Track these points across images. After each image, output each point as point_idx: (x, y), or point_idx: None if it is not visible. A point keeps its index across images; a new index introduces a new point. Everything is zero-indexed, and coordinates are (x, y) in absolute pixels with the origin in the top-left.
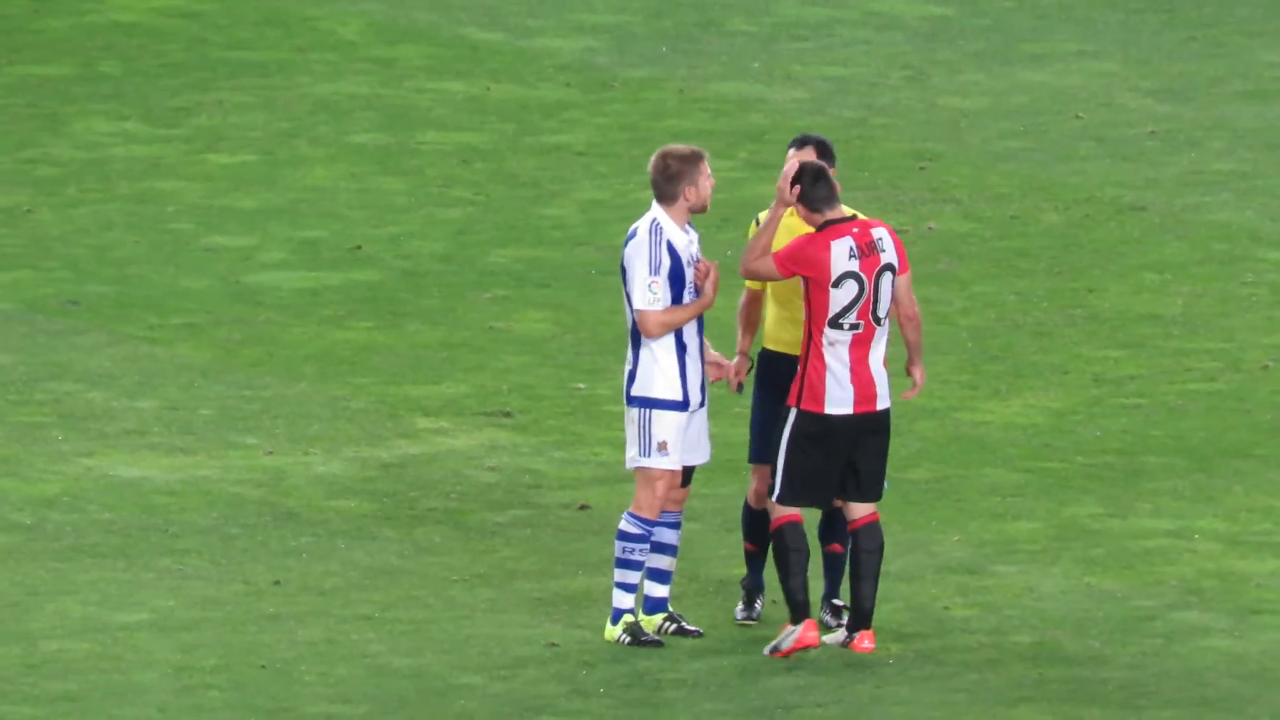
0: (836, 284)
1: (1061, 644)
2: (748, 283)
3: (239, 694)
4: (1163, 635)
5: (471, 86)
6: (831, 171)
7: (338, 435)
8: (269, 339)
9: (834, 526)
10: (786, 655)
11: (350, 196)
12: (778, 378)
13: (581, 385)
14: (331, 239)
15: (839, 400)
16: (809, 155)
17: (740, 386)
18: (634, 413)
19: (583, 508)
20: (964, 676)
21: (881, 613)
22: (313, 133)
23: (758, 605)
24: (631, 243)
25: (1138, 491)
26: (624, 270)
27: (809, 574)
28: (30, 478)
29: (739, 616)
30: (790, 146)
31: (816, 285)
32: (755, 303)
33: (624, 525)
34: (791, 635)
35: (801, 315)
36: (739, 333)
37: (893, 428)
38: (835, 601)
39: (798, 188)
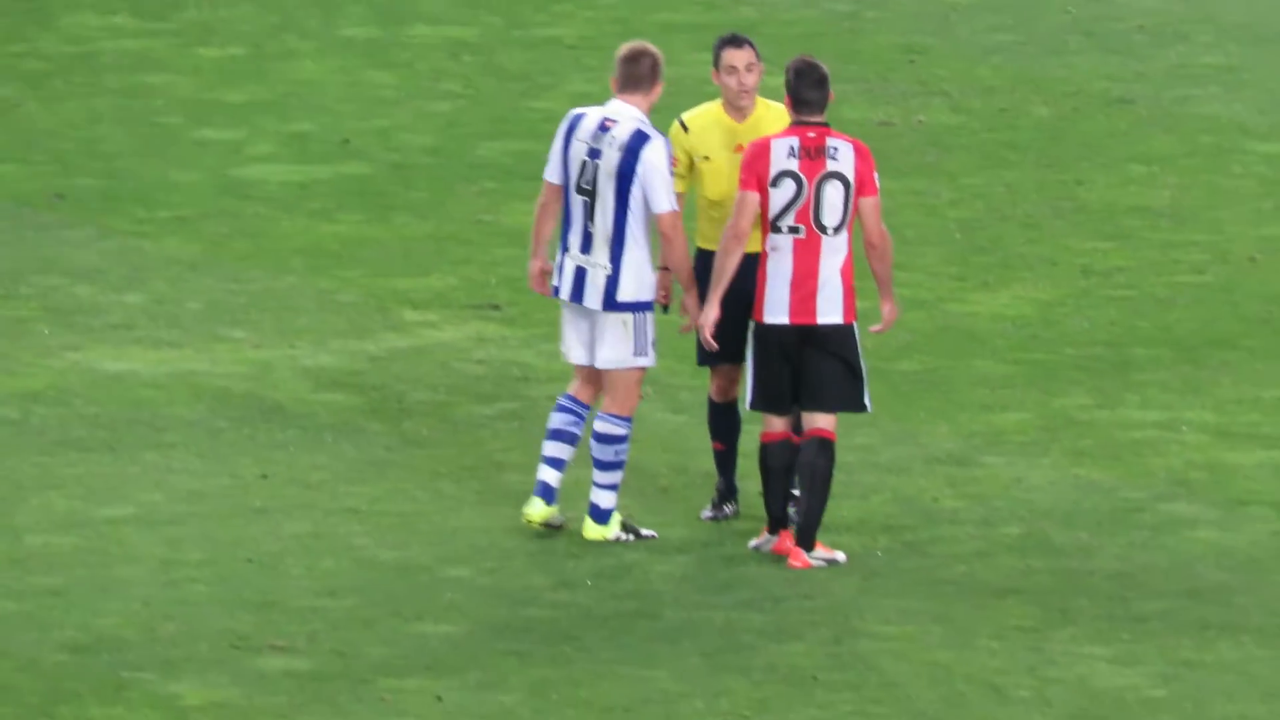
0: (774, 182)
1: (1049, 535)
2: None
3: (225, 588)
4: (1150, 527)
5: None
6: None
7: (325, 328)
8: (257, 232)
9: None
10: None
11: (339, 90)
12: (707, 278)
13: None
14: (320, 132)
15: (775, 308)
16: (748, 53)
17: (666, 307)
18: (626, 316)
19: None
20: (952, 568)
21: (870, 504)
22: (302, 26)
23: (726, 509)
24: (650, 148)
25: (1126, 383)
26: (629, 173)
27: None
28: (16, 372)
29: (704, 515)
30: (725, 46)
31: (761, 185)
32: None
33: (608, 428)
34: (769, 543)
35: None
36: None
37: (880, 320)
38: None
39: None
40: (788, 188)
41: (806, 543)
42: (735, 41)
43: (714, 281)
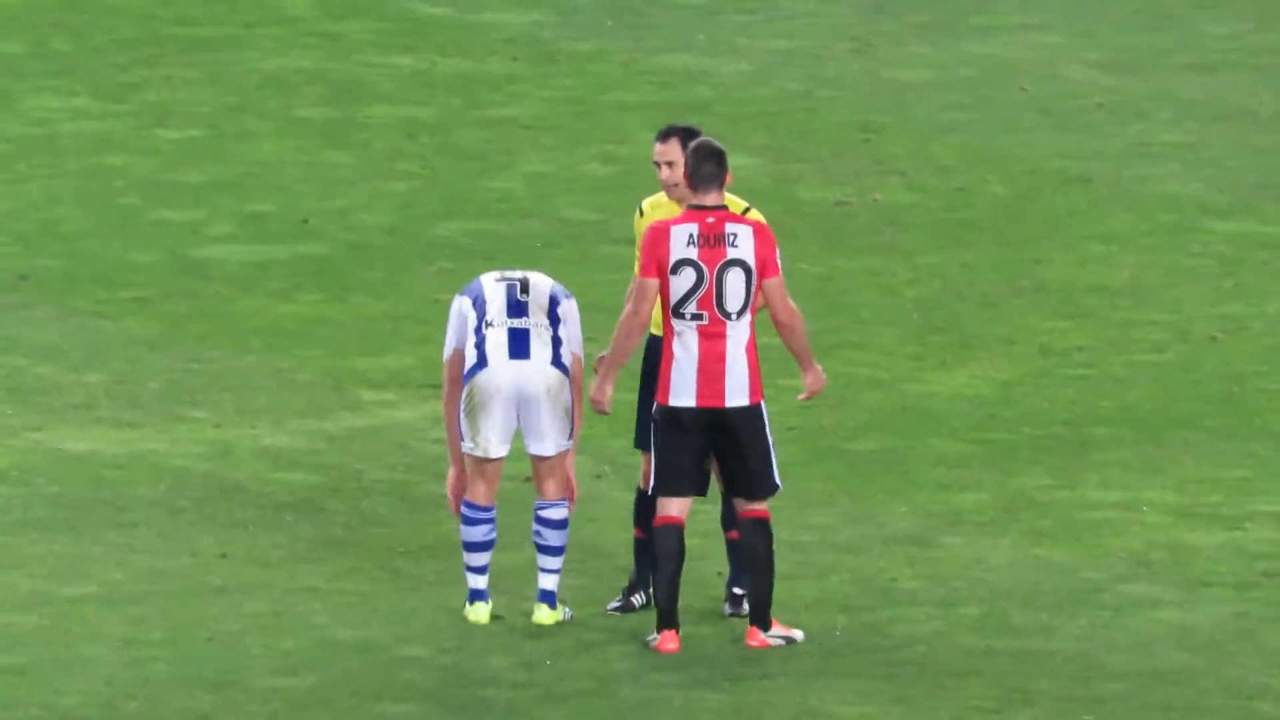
0: (674, 270)
1: (1010, 615)
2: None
3: (186, 666)
4: (1111, 607)
5: (418, 61)
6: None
7: (284, 408)
8: (216, 312)
9: (733, 513)
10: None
11: (297, 170)
12: (657, 363)
13: None
14: (279, 212)
15: (681, 392)
16: (674, 147)
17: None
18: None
19: (528, 480)
20: (912, 649)
21: (828, 584)
22: (260, 107)
23: (634, 600)
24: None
25: (1086, 462)
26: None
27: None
28: None
29: (610, 607)
30: (656, 139)
31: (661, 271)
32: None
33: (565, 514)
34: (653, 640)
35: None
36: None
37: (840, 399)
38: (735, 590)
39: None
40: (688, 276)
41: (762, 622)
42: (662, 136)
43: (610, 362)
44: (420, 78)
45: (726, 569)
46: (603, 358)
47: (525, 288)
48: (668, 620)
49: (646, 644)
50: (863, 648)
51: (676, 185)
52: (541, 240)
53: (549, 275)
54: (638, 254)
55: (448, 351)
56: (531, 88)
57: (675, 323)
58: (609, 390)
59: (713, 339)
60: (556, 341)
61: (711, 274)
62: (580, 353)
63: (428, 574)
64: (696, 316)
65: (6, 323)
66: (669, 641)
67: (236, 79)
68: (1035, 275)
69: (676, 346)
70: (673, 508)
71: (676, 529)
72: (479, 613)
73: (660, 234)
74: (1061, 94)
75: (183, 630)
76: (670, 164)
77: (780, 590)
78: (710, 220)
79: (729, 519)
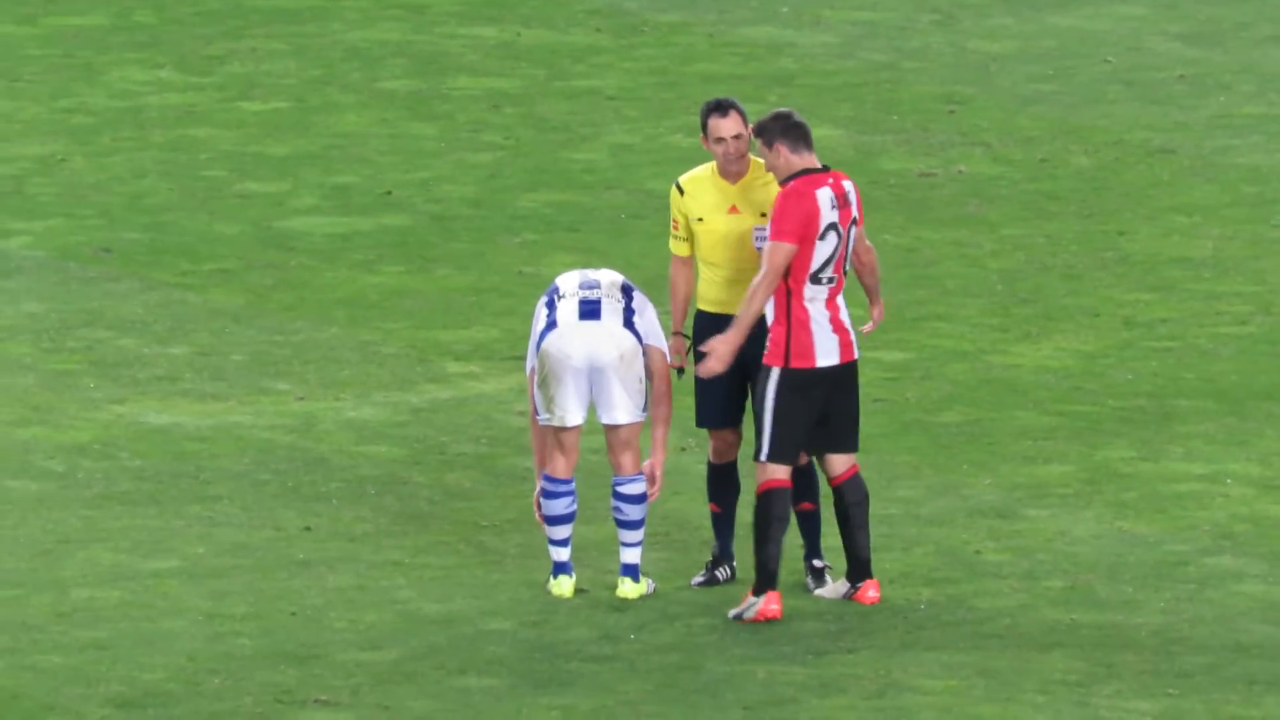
0: (822, 236)
1: (1094, 589)
2: (675, 249)
3: (269, 641)
4: (1196, 580)
5: (502, 32)
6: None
7: (368, 380)
8: (300, 284)
9: (803, 486)
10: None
11: (381, 142)
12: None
13: None
14: (362, 184)
15: (828, 351)
16: (736, 120)
17: (681, 370)
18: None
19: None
20: (996, 621)
21: (912, 557)
22: (344, 79)
23: (719, 574)
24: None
25: (1169, 435)
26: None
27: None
28: (62, 425)
29: (695, 581)
30: (711, 114)
31: (806, 238)
32: (686, 268)
33: (642, 488)
34: (753, 606)
35: (735, 272)
36: (673, 309)
37: (925, 371)
38: (815, 563)
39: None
40: (831, 240)
41: (870, 572)
42: (720, 109)
43: (738, 325)
44: (504, 49)
45: (805, 542)
46: (678, 333)
47: (599, 275)
48: (773, 582)
49: (740, 614)
50: (947, 621)
51: (743, 157)
52: (625, 212)
53: (633, 246)
54: (675, 231)
55: (530, 363)
56: (615, 59)
57: (809, 288)
58: (732, 346)
59: (836, 298)
60: (630, 311)
61: (845, 235)
62: (663, 345)
63: (511, 548)
64: (831, 280)
65: (90, 295)
66: (772, 602)
67: (321, 51)
68: (1119, 247)
69: (812, 309)
70: (780, 471)
71: (788, 492)
72: (562, 586)
73: (809, 200)
74: (1144, 66)
75: (266, 604)
76: (737, 137)
77: None
78: (831, 180)
79: (799, 492)
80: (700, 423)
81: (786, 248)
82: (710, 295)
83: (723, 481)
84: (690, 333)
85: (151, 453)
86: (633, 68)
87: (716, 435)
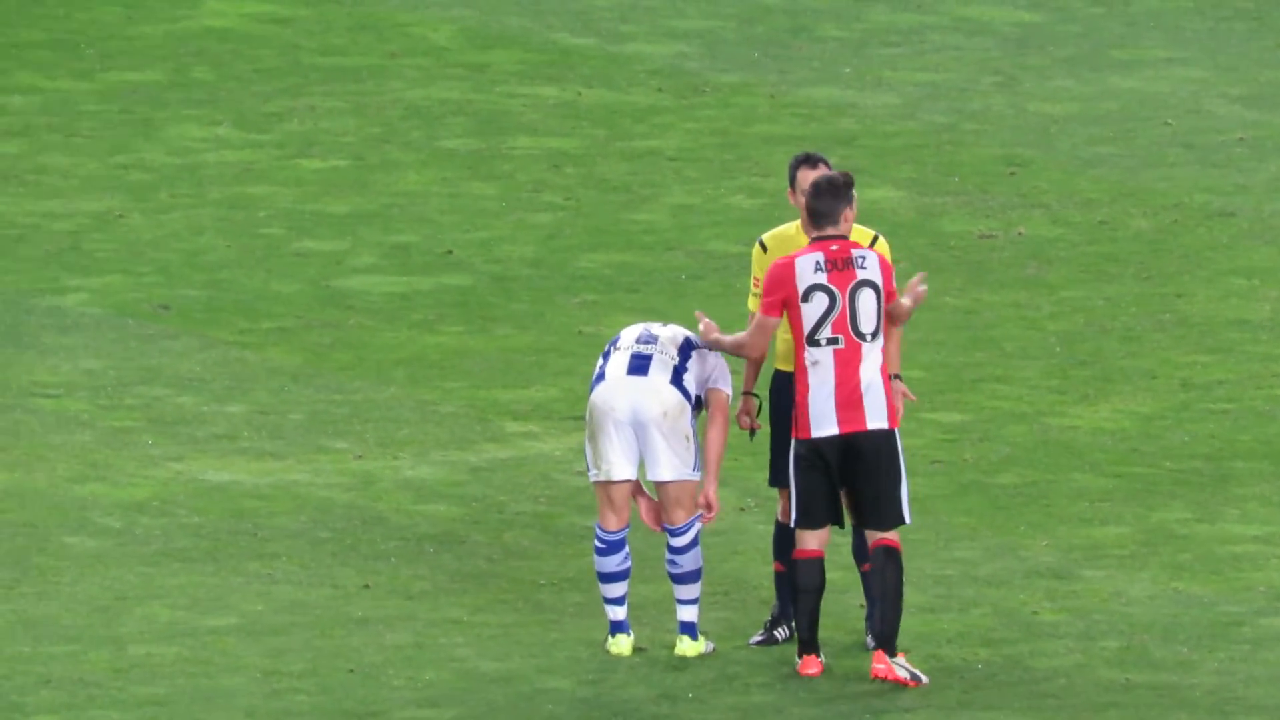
0: (805, 298)
1: (1149, 649)
2: (753, 307)
3: (327, 698)
4: (1251, 641)
5: (563, 91)
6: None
7: (427, 439)
8: (359, 343)
9: (861, 546)
10: None
11: (441, 201)
12: (788, 398)
13: None
14: (422, 243)
15: (822, 422)
16: (823, 173)
17: (754, 432)
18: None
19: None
20: (1052, 682)
21: (970, 617)
22: (404, 138)
23: (778, 634)
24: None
25: (1226, 497)
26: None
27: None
28: (120, 482)
29: (753, 641)
30: (800, 165)
31: (790, 305)
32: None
33: (694, 535)
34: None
35: None
36: (745, 370)
37: (983, 433)
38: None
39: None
40: (820, 301)
41: (890, 649)
42: (810, 161)
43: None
44: (565, 109)
45: (866, 603)
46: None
47: (661, 330)
48: (809, 647)
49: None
50: (1003, 681)
51: None
52: (686, 273)
53: (693, 307)
54: (755, 289)
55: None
56: (676, 119)
57: (810, 352)
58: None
59: (849, 363)
60: (680, 370)
61: (844, 296)
62: (727, 389)
63: (569, 606)
64: (832, 340)
65: (148, 353)
66: (810, 666)
67: (380, 109)
68: (1177, 309)
69: (812, 378)
70: (812, 541)
71: (818, 563)
72: (620, 645)
73: (785, 269)
74: (1204, 128)
75: (324, 661)
76: None
77: (923, 623)
78: (834, 248)
79: (861, 551)
80: (773, 482)
81: (762, 319)
82: (789, 354)
83: (788, 541)
84: (767, 391)
85: (210, 510)
86: (694, 128)
87: (786, 494)
